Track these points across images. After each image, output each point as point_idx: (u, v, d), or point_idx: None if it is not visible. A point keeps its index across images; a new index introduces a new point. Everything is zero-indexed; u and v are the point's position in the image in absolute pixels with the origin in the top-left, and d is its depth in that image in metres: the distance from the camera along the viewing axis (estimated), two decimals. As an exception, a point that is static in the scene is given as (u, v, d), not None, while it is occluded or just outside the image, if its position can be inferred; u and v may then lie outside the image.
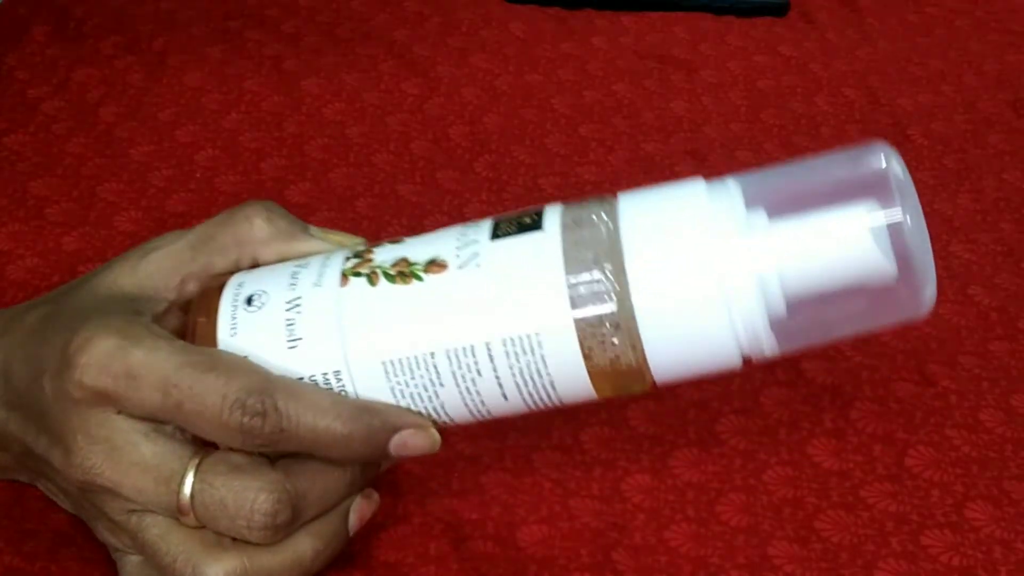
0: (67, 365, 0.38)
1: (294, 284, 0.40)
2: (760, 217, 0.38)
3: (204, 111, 0.69)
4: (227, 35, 0.76)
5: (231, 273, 0.42)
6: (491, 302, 0.38)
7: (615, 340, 0.37)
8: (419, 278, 0.38)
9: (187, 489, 0.38)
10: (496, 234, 0.39)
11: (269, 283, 0.41)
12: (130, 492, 0.39)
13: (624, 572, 0.45)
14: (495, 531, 0.46)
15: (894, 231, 0.36)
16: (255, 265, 0.43)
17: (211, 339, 0.40)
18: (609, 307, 0.37)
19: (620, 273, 0.37)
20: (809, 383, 0.54)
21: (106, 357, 0.38)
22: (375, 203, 0.63)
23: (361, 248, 0.41)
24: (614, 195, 0.39)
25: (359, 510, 0.42)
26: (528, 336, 0.38)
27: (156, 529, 0.39)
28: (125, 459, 0.38)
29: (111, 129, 0.66)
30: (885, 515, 0.48)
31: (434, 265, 0.39)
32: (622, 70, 0.77)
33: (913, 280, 0.37)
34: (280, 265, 0.42)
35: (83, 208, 0.60)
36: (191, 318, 0.41)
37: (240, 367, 0.38)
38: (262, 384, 0.38)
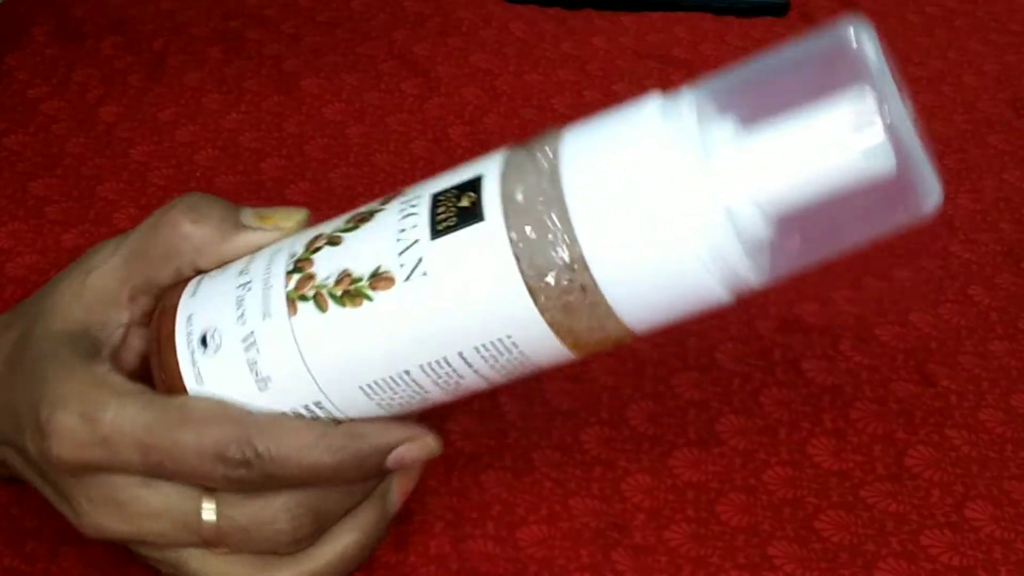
0: (42, 436, 0.37)
1: (242, 316, 0.38)
2: (724, 129, 0.34)
3: (204, 111, 0.69)
4: (227, 35, 0.76)
5: (178, 283, 0.41)
6: (451, 314, 0.36)
7: (581, 299, 0.35)
8: (368, 298, 0.36)
9: (208, 526, 0.38)
10: (436, 229, 0.36)
11: (216, 315, 0.38)
12: (154, 538, 0.38)
13: (624, 572, 0.45)
14: (495, 531, 0.46)
15: (878, 121, 0.33)
16: (199, 271, 0.41)
17: (178, 384, 0.39)
18: (565, 271, 0.34)
19: (568, 227, 0.34)
20: (809, 383, 0.54)
21: (75, 432, 0.37)
22: (375, 203, 0.63)
23: (299, 251, 0.38)
24: (560, 128, 0.37)
25: (400, 488, 0.41)
26: (500, 340, 0.36)
27: (195, 562, 0.39)
28: (135, 513, 0.38)
29: (111, 129, 0.66)
30: (885, 515, 0.48)
31: (379, 280, 0.36)
32: (622, 70, 0.77)
33: (908, 172, 0.33)
34: (221, 279, 0.40)
35: (83, 207, 0.60)
36: (152, 361, 0.40)
37: (212, 416, 0.37)
38: (238, 432, 0.37)
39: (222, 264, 0.41)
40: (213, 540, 0.38)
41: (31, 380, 0.39)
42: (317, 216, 0.62)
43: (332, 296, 0.36)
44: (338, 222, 0.39)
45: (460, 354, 0.36)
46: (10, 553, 0.44)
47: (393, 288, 0.36)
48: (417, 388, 0.38)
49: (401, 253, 0.36)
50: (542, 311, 0.35)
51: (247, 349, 0.38)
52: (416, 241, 0.36)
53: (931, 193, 0.34)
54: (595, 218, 0.34)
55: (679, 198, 0.33)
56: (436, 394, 0.38)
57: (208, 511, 0.38)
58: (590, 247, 0.34)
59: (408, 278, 0.36)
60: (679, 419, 0.52)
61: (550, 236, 0.34)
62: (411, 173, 0.66)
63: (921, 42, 0.83)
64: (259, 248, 0.40)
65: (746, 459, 0.50)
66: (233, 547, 0.38)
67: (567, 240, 0.34)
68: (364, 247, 0.37)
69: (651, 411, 0.52)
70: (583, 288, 0.35)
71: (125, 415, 0.37)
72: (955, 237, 0.64)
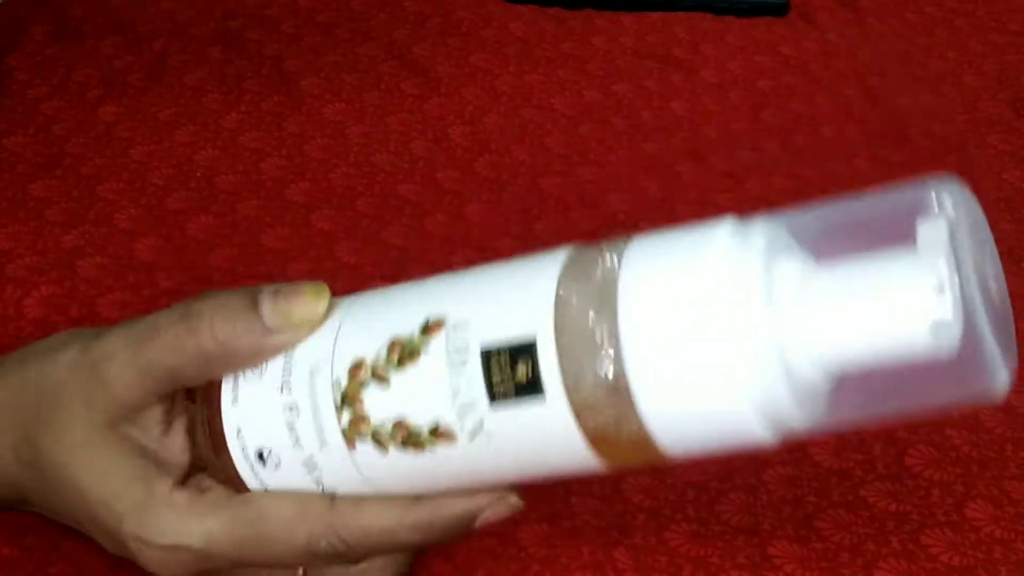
0: (135, 559, 0.39)
1: (297, 442, 0.38)
2: (792, 271, 0.32)
3: (204, 111, 0.69)
4: (227, 35, 0.76)
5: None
6: (512, 466, 0.36)
7: (614, 410, 0.33)
8: (430, 450, 0.36)
9: None
10: (493, 394, 0.34)
11: (269, 437, 0.38)
12: None
13: (625, 571, 0.45)
14: (499, 526, 0.46)
15: (955, 301, 0.30)
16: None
17: (243, 487, 0.39)
18: (606, 375, 0.33)
19: (618, 352, 0.33)
20: (809, 383, 0.54)
21: (168, 563, 0.39)
22: (375, 203, 0.63)
23: (343, 380, 0.37)
24: (627, 239, 0.35)
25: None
26: (558, 474, 0.36)
27: None
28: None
29: (111, 129, 0.66)
30: (885, 514, 0.48)
31: (440, 435, 0.36)
32: (622, 70, 0.77)
33: (979, 358, 0.31)
34: (260, 388, 0.39)
35: (83, 208, 0.60)
36: (207, 455, 0.40)
37: (296, 517, 0.38)
38: (324, 528, 0.38)
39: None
40: None
41: (80, 496, 0.39)
42: (315, 216, 0.62)
43: (392, 440, 0.36)
44: (377, 343, 0.37)
45: (516, 479, 0.37)
46: (10, 544, 0.44)
47: (456, 445, 0.36)
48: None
49: (460, 414, 0.35)
50: (596, 448, 0.34)
51: (309, 471, 0.38)
52: (473, 404, 0.35)
53: (1000, 376, 0.31)
54: (647, 346, 0.32)
55: (736, 337, 0.31)
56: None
57: None
58: (636, 374, 0.33)
59: (471, 440, 0.35)
60: (679, 419, 0.52)
61: (600, 355, 0.33)
62: (411, 173, 0.66)
63: (921, 42, 0.84)
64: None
65: (746, 458, 0.50)
66: None
67: (615, 360, 0.33)
68: (417, 397, 0.36)
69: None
70: (632, 422, 0.33)
71: (212, 539, 0.38)
72: (955, 237, 0.64)
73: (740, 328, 0.31)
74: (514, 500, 0.38)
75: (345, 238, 0.60)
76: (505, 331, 0.35)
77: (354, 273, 0.58)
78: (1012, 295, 0.60)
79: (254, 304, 0.38)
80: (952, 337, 0.30)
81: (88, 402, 0.39)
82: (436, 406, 0.35)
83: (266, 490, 0.39)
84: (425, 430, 0.36)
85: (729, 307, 0.31)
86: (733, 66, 0.78)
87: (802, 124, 0.73)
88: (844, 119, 0.74)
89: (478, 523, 0.38)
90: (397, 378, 0.36)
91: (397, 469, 0.37)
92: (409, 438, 0.36)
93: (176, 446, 0.40)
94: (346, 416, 0.37)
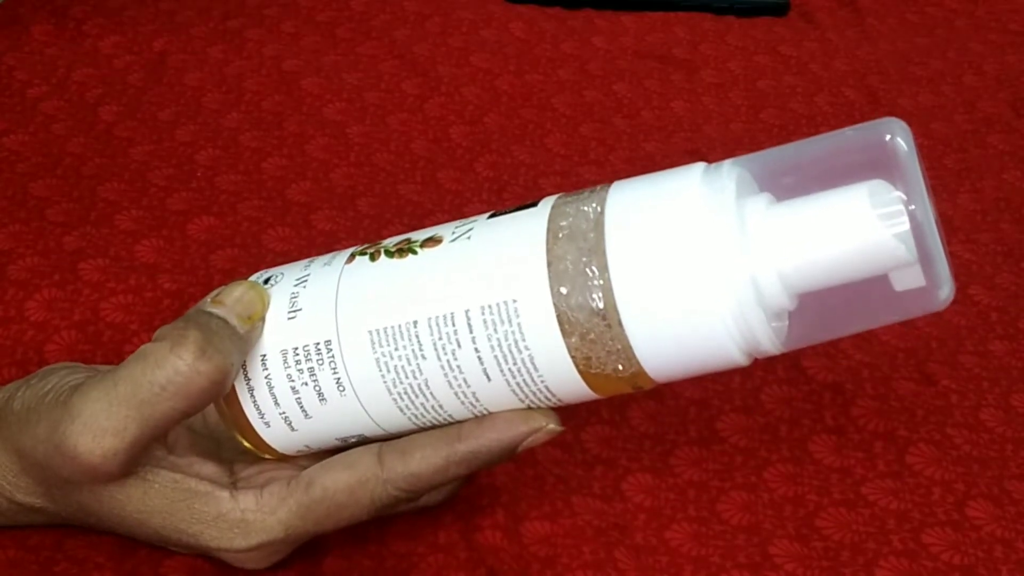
0: (224, 559, 0.42)
1: (308, 266, 0.42)
2: (759, 205, 0.36)
3: (204, 111, 0.69)
4: (227, 35, 0.76)
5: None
6: (473, 270, 0.38)
7: (601, 331, 0.37)
8: (415, 252, 0.39)
9: None
10: (493, 215, 0.40)
11: (288, 268, 0.42)
12: None
13: (626, 571, 0.45)
14: (503, 521, 0.46)
15: (907, 216, 0.34)
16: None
17: None
18: (593, 298, 0.36)
19: (603, 267, 0.36)
20: (810, 381, 0.54)
21: (256, 559, 0.42)
22: (376, 203, 0.63)
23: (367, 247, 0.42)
24: (610, 184, 0.39)
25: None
26: (505, 303, 0.37)
27: None
28: None
29: (111, 129, 0.66)
30: (886, 513, 0.48)
31: (431, 241, 0.40)
32: (622, 70, 0.77)
33: (928, 269, 0.35)
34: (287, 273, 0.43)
35: (83, 208, 0.60)
36: None
37: (357, 483, 0.40)
38: (382, 485, 0.40)
39: None
40: None
41: (149, 528, 0.41)
42: (315, 215, 0.62)
43: (386, 251, 0.40)
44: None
45: (466, 312, 0.38)
46: (14, 545, 0.44)
47: (439, 247, 0.39)
48: (416, 348, 0.38)
49: (458, 227, 0.40)
50: (553, 293, 0.37)
51: (296, 285, 0.41)
52: (474, 221, 0.40)
53: (944, 287, 0.36)
54: (631, 270, 0.36)
55: (711, 262, 0.35)
56: (431, 368, 0.39)
57: None
58: (623, 294, 0.36)
59: (454, 240, 0.39)
60: (680, 417, 0.52)
61: (587, 274, 0.36)
62: (411, 173, 0.66)
63: (921, 42, 0.84)
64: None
65: (747, 457, 0.50)
66: None
67: (602, 284, 0.36)
68: (432, 230, 0.41)
69: (652, 410, 0.52)
70: (608, 325, 0.36)
71: (290, 527, 0.41)
72: (955, 237, 0.64)
73: (716, 257, 0.35)
74: (553, 426, 0.40)
75: (346, 238, 0.60)
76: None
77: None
78: (1012, 295, 0.60)
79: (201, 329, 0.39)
80: (910, 249, 0.34)
81: (86, 476, 0.39)
82: (440, 228, 0.40)
83: (318, 465, 0.41)
84: (421, 239, 0.40)
85: (706, 239, 0.35)
86: (733, 66, 0.79)
87: (802, 124, 0.73)
88: (844, 119, 0.74)
89: (520, 449, 0.40)
90: (414, 234, 0.41)
91: (370, 276, 0.40)
92: (404, 246, 0.40)
93: (197, 454, 0.42)
94: (366, 245, 0.41)
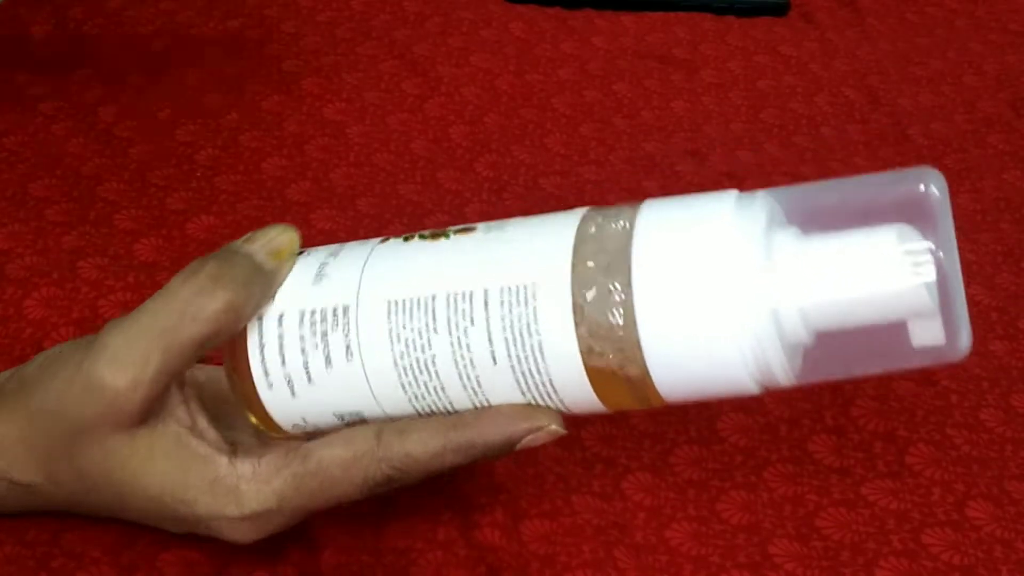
0: (216, 532, 0.41)
1: (344, 244, 0.43)
2: (788, 237, 0.36)
3: (204, 111, 0.69)
4: (227, 35, 0.76)
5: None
6: (499, 255, 0.39)
7: (616, 339, 0.37)
8: (447, 237, 0.40)
9: None
10: (529, 215, 0.41)
11: (326, 247, 0.43)
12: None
13: (625, 570, 0.45)
14: (503, 519, 0.46)
15: (934, 265, 0.34)
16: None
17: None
18: (613, 313, 0.37)
19: (627, 283, 0.36)
20: (810, 381, 0.54)
21: (245, 531, 0.41)
22: (376, 202, 0.63)
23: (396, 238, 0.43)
24: (641, 201, 0.39)
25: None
26: (524, 287, 0.38)
27: None
28: None
29: (111, 129, 0.66)
30: (886, 513, 0.48)
31: (465, 230, 0.41)
32: (622, 70, 0.77)
33: (949, 319, 0.35)
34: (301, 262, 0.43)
35: (83, 208, 0.60)
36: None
37: (352, 459, 0.40)
38: (376, 462, 0.40)
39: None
40: None
41: (144, 495, 0.41)
42: (315, 215, 0.62)
43: (421, 236, 0.41)
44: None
45: (485, 291, 0.38)
46: (10, 540, 0.44)
47: (472, 234, 0.40)
48: (430, 321, 0.39)
49: (492, 223, 0.41)
50: (573, 285, 0.37)
51: (329, 255, 0.42)
52: (511, 218, 0.41)
53: (962, 341, 0.36)
54: (654, 288, 0.36)
55: (736, 290, 0.35)
56: (440, 343, 0.39)
57: None
58: (643, 311, 0.36)
59: (487, 231, 0.40)
60: (680, 416, 0.52)
61: (610, 289, 0.37)
62: (411, 173, 0.66)
63: (921, 42, 0.84)
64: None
65: (747, 456, 0.50)
66: None
67: (623, 299, 0.36)
68: (471, 223, 0.41)
69: (652, 409, 0.52)
70: (624, 337, 0.37)
71: (284, 497, 0.40)
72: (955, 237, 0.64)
73: (741, 285, 0.35)
74: (554, 427, 0.40)
75: (346, 238, 0.60)
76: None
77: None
78: (1012, 295, 0.60)
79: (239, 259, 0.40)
80: (932, 298, 0.34)
81: (106, 415, 0.40)
82: (476, 223, 0.41)
83: (318, 440, 0.41)
84: (456, 228, 0.41)
85: (732, 267, 0.35)
86: (733, 66, 0.78)
87: (802, 124, 0.73)
88: (844, 119, 0.74)
89: (519, 447, 0.40)
90: (450, 232, 0.41)
91: (398, 254, 0.40)
92: (438, 231, 0.41)
93: (204, 420, 0.42)
94: (402, 234, 0.42)
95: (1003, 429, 0.52)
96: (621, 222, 0.38)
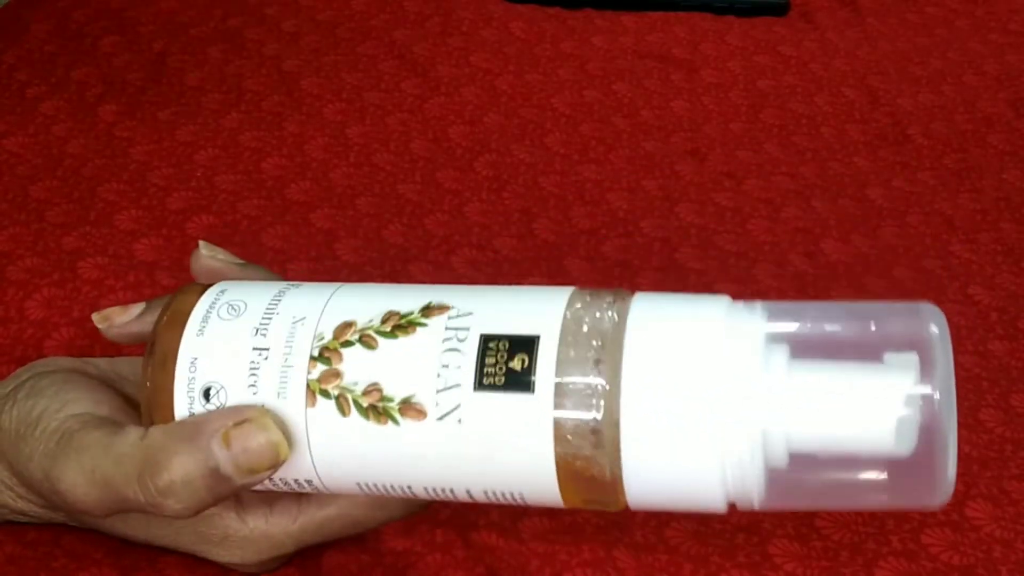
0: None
1: (254, 385, 0.37)
2: (780, 359, 0.35)
3: (204, 111, 0.69)
4: (227, 35, 0.76)
5: (175, 321, 0.38)
6: (474, 462, 0.35)
7: (599, 472, 0.35)
8: (395, 421, 0.35)
9: None
10: (481, 381, 0.35)
11: (225, 374, 0.37)
12: None
13: (625, 570, 0.45)
14: (502, 519, 0.46)
15: (922, 410, 0.33)
16: None
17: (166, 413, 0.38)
18: (594, 441, 0.34)
19: (614, 403, 0.34)
20: (809, 382, 0.54)
21: (268, 567, 0.42)
22: (375, 202, 0.63)
23: (327, 336, 0.36)
24: (625, 305, 0.36)
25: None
26: (512, 492, 0.36)
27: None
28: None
29: (111, 129, 0.66)
30: (886, 513, 0.48)
31: (411, 408, 0.35)
32: (622, 70, 0.77)
33: (931, 469, 0.34)
34: (233, 328, 0.38)
35: (83, 209, 0.60)
36: (144, 378, 0.38)
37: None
38: (299, 534, 0.41)
39: None
40: None
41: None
42: (315, 215, 0.62)
43: (357, 404, 0.36)
44: (372, 311, 0.37)
45: (468, 491, 0.37)
46: (12, 541, 0.44)
47: (423, 422, 0.35)
48: (410, 495, 0.38)
49: (439, 391, 0.35)
50: (559, 475, 0.35)
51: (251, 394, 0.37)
52: (457, 385, 0.35)
53: (942, 490, 0.34)
54: (642, 401, 0.34)
55: (724, 410, 0.34)
56: (426, 498, 0.38)
57: None
58: (628, 425, 0.34)
59: (441, 419, 0.35)
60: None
61: (592, 402, 0.34)
62: (411, 173, 0.66)
63: (921, 42, 0.84)
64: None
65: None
66: None
67: (609, 413, 0.34)
68: (401, 367, 0.35)
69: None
70: (605, 461, 0.35)
71: (298, 543, 0.41)
72: (955, 237, 0.64)
73: (730, 405, 0.34)
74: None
75: (345, 237, 0.60)
76: (509, 326, 0.35)
77: (354, 272, 0.58)
78: (1012, 295, 0.60)
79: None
80: (911, 439, 0.33)
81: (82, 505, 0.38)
82: (417, 380, 0.35)
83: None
84: (397, 400, 0.35)
85: (723, 386, 0.34)
86: (733, 66, 0.79)
87: (802, 124, 0.73)
88: (844, 119, 0.74)
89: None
90: (385, 345, 0.36)
91: (348, 439, 0.36)
92: (378, 404, 0.35)
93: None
94: (319, 369, 0.36)
95: (1003, 429, 0.52)
96: (610, 312, 0.35)
